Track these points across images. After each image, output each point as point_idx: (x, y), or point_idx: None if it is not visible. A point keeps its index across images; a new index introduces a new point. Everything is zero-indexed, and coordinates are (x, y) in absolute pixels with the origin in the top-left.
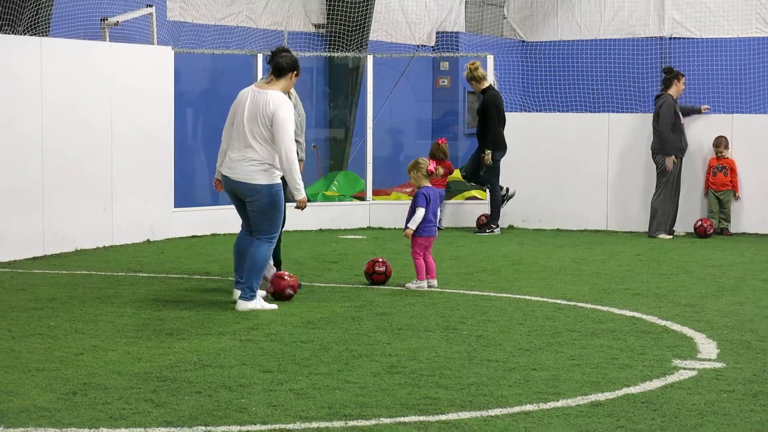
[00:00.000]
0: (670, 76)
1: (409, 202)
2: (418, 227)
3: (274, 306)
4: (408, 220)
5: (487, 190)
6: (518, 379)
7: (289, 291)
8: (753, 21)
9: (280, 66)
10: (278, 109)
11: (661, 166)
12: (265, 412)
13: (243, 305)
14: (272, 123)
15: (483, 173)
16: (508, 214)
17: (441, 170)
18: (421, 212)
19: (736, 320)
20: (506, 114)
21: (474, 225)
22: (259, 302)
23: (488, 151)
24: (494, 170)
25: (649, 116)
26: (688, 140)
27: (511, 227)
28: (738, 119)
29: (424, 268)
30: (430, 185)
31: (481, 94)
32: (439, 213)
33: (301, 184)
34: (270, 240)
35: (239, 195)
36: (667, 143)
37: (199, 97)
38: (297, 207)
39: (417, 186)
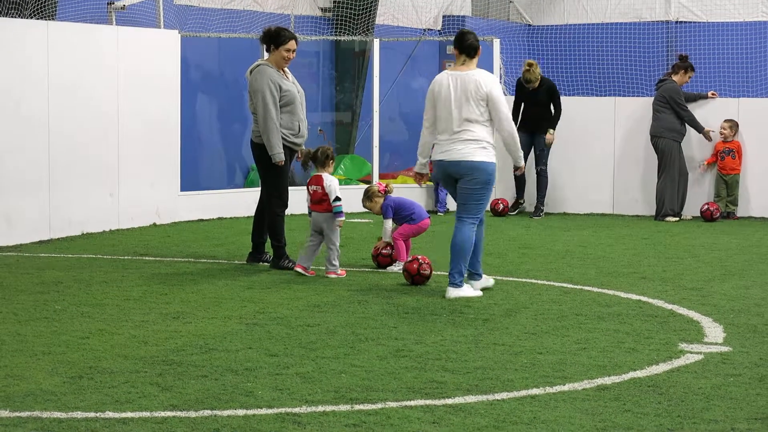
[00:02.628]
0: (682, 64)
1: (416, 185)
2: (401, 220)
3: (479, 293)
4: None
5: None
6: (524, 362)
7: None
8: (759, 5)
9: (475, 47)
10: (492, 87)
11: (661, 150)
12: (271, 395)
13: (452, 292)
14: (488, 102)
15: (540, 152)
16: (513, 198)
17: (392, 187)
18: (388, 223)
19: (742, 304)
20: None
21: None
22: (468, 289)
23: (552, 131)
24: (548, 153)
25: None
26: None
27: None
28: (744, 103)
29: (404, 249)
30: (390, 196)
31: (539, 85)
32: (445, 197)
33: (521, 152)
34: (473, 222)
35: (455, 175)
36: (694, 122)
37: (205, 80)
38: (517, 172)
39: (379, 210)
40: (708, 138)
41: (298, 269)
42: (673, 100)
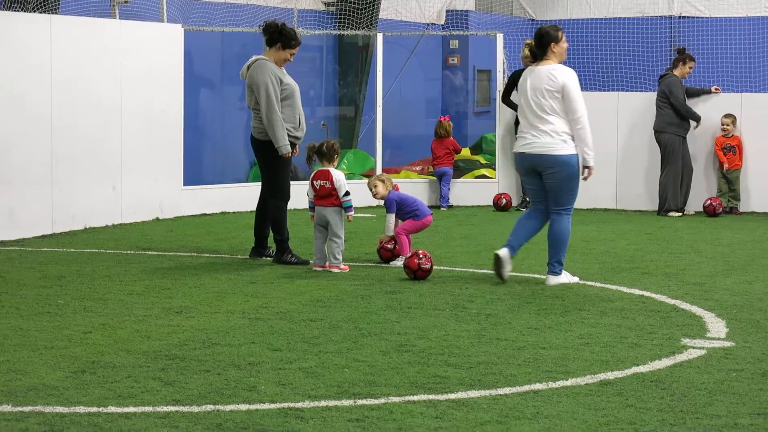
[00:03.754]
0: (680, 57)
1: (419, 180)
2: (405, 216)
3: (576, 279)
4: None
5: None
6: (527, 357)
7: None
8: (762, 0)
9: (537, 45)
10: (566, 80)
11: (664, 145)
12: (274, 390)
13: (552, 280)
14: (563, 94)
15: None
16: (517, 193)
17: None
18: (391, 218)
19: (745, 299)
20: (515, 92)
21: (484, 203)
22: (566, 276)
23: None
24: None
25: None
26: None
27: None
28: (747, 98)
29: (407, 244)
30: (394, 191)
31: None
32: (447, 192)
33: (592, 150)
34: (568, 212)
35: (538, 169)
36: (690, 111)
37: (208, 75)
38: (585, 177)
39: (383, 197)
40: (696, 121)
41: (317, 269)
42: (669, 92)
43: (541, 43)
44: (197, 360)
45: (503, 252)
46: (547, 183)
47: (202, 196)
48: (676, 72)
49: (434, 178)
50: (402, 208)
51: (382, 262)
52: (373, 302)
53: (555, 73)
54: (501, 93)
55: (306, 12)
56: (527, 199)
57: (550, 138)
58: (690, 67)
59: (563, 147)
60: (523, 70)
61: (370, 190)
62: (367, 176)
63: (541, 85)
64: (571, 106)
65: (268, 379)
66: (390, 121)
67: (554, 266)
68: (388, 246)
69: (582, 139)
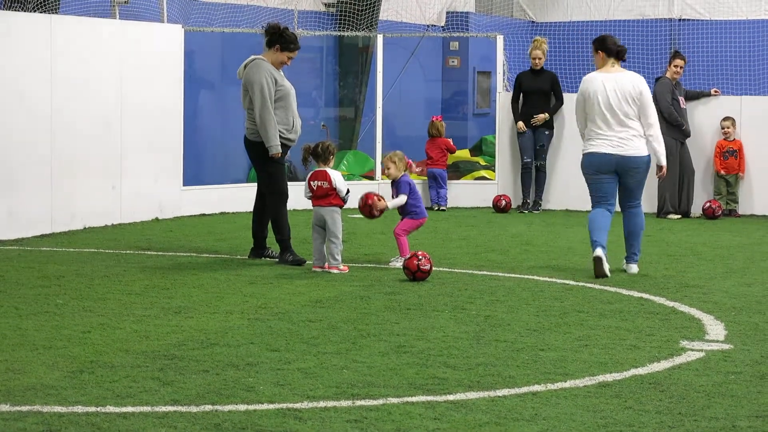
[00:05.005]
0: (670, 59)
1: (416, 181)
2: (409, 212)
3: (635, 271)
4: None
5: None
6: (526, 359)
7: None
8: (762, 2)
9: (625, 49)
10: (644, 88)
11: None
12: (272, 391)
13: (635, 268)
14: (639, 100)
15: (540, 147)
16: (518, 194)
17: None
18: (402, 199)
19: (744, 302)
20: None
21: (483, 205)
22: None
23: (546, 114)
24: (548, 149)
25: None
26: (696, 122)
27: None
28: (747, 101)
29: (407, 245)
30: (407, 175)
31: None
32: (446, 192)
33: (665, 151)
34: (640, 204)
35: (621, 169)
36: (676, 120)
37: (208, 75)
38: (660, 176)
39: (396, 176)
40: (686, 131)
41: (317, 270)
42: (655, 98)
43: (617, 43)
44: (196, 360)
45: (601, 252)
46: (629, 182)
47: (201, 196)
48: (668, 74)
49: (425, 178)
50: (409, 197)
51: (364, 215)
52: (372, 303)
53: (635, 81)
54: (500, 95)
55: (306, 13)
56: (528, 200)
57: (638, 141)
58: (676, 65)
59: (645, 148)
60: (527, 71)
61: (384, 168)
62: (368, 177)
63: (625, 91)
64: (647, 112)
65: (267, 379)
66: (390, 122)
67: (636, 255)
68: (375, 211)
69: (657, 141)
